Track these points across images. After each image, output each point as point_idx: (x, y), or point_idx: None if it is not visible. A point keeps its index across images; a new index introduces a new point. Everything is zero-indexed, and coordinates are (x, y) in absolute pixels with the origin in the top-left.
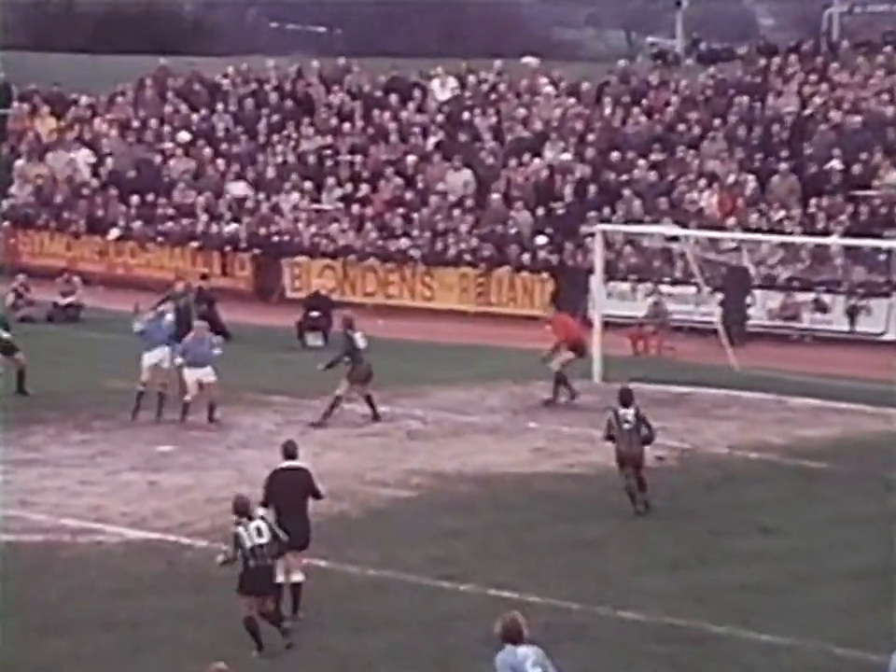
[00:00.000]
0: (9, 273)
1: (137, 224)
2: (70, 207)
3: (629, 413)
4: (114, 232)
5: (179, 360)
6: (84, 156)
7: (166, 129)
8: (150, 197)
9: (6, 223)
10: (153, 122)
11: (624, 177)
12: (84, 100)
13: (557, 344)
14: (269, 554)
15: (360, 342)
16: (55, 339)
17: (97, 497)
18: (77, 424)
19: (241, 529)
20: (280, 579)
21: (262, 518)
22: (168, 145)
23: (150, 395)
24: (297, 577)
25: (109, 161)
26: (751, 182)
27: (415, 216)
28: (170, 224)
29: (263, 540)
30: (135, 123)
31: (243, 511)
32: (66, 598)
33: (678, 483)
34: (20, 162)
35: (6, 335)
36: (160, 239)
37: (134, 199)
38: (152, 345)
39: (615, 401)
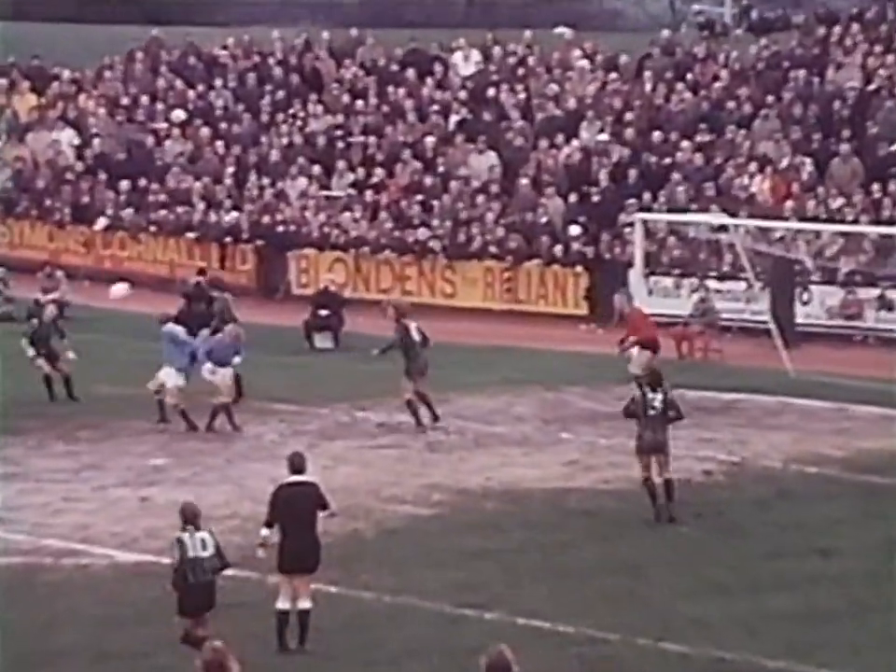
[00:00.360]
0: None
1: (127, 212)
2: (53, 194)
3: (657, 397)
4: (101, 222)
5: (208, 367)
6: (68, 136)
7: (159, 107)
8: (142, 182)
9: None
10: (145, 99)
11: (667, 161)
12: (68, 74)
13: (633, 342)
14: (209, 569)
15: (416, 334)
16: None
17: (83, 514)
18: (60, 434)
19: (185, 536)
20: (285, 606)
21: (210, 531)
22: (161, 124)
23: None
24: (304, 604)
25: (96, 142)
26: (808, 165)
27: (435, 203)
28: (163, 212)
29: (206, 554)
30: (125, 100)
31: (191, 519)
32: (50, 627)
33: (726, 500)
34: None
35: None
36: (152, 229)
37: (124, 184)
38: (174, 363)
39: (645, 384)
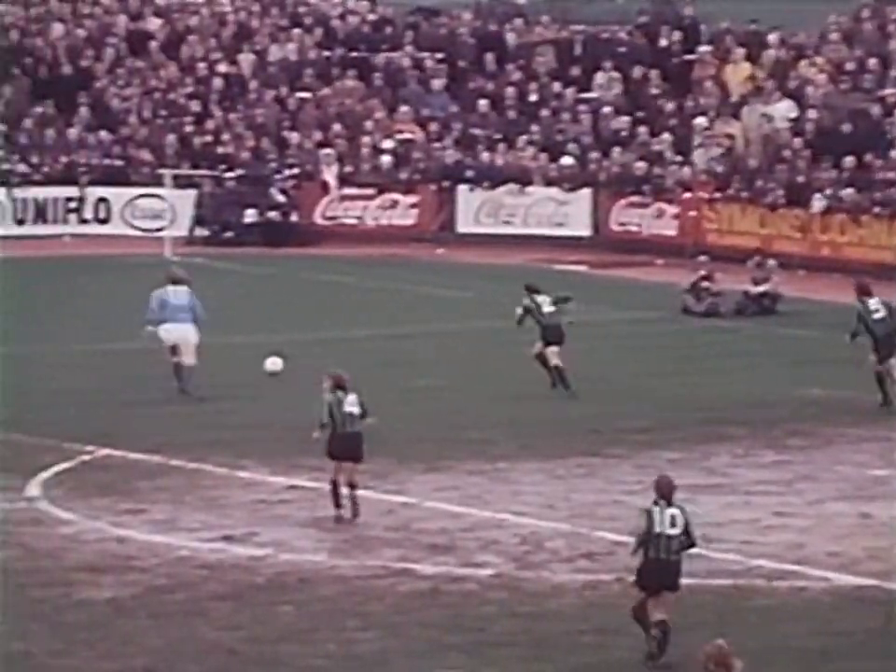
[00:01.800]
0: (691, 256)
1: (848, 192)
2: (766, 173)
3: None
4: (818, 203)
5: None
6: (785, 109)
7: (891, 72)
8: (867, 157)
9: (687, 195)
10: (872, 63)
11: None
12: (785, 38)
13: None
14: (676, 548)
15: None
16: (744, 336)
17: (797, 532)
18: (769, 441)
19: (655, 509)
20: None
21: (680, 507)
22: (890, 91)
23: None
24: None
25: (815, 114)
26: None
27: None
28: (890, 191)
29: (674, 532)
30: (850, 66)
31: (665, 493)
32: (759, 657)
33: None
34: (701, 120)
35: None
36: (876, 210)
37: (847, 160)
38: None
39: None
